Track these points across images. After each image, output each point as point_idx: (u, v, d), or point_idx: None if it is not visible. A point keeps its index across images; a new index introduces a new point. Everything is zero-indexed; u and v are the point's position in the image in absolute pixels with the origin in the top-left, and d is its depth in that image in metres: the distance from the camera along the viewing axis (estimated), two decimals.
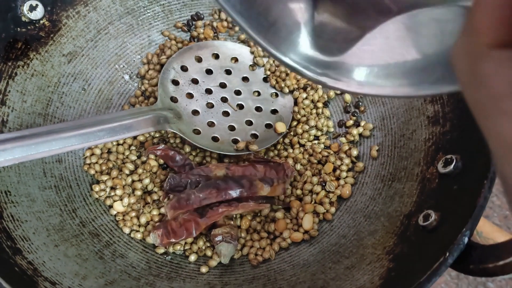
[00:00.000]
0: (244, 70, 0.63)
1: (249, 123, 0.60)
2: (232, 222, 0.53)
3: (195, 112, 0.59)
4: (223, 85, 0.61)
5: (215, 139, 0.57)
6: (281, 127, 0.59)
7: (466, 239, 0.40)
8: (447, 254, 0.40)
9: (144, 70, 0.63)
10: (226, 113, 0.60)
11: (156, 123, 0.53)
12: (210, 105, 0.60)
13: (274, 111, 0.61)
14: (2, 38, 0.53)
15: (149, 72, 0.63)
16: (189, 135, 0.56)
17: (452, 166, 0.46)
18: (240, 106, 0.61)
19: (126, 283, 0.48)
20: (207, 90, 0.61)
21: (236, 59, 0.64)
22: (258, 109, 0.61)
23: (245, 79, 0.63)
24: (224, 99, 0.61)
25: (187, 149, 0.59)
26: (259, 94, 0.62)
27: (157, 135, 0.60)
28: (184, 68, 0.62)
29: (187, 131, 0.56)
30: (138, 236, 0.54)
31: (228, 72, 0.63)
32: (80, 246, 0.50)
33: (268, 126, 0.60)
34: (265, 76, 0.63)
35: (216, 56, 0.63)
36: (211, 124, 0.58)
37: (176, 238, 0.51)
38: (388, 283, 0.43)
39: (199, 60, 0.63)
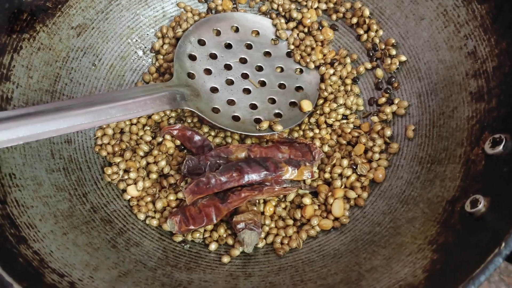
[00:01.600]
0: (266, 44, 0.59)
1: (272, 101, 0.55)
2: (255, 208, 0.49)
3: (214, 90, 0.54)
4: (243, 61, 0.57)
5: (235, 118, 0.53)
6: (307, 106, 0.54)
7: None
8: (503, 245, 0.35)
9: (158, 45, 0.59)
10: (247, 91, 0.55)
11: (172, 101, 0.49)
12: (229, 82, 0.55)
13: (298, 88, 0.57)
14: (6, 8, 0.49)
15: (164, 47, 0.59)
16: (208, 113, 0.52)
17: (501, 146, 0.42)
18: (262, 83, 0.56)
19: (141, 274, 0.44)
20: (227, 65, 0.56)
21: (257, 33, 0.59)
22: (281, 86, 0.56)
23: (267, 54, 0.58)
24: (244, 76, 0.56)
25: (206, 129, 0.55)
26: (282, 70, 0.57)
27: (173, 114, 0.56)
28: (201, 42, 0.57)
29: (205, 110, 0.52)
30: (154, 222, 0.50)
31: (248, 46, 0.58)
32: (91, 234, 0.46)
33: (293, 104, 0.55)
34: (288, 50, 0.59)
35: (236, 29, 0.59)
36: (231, 102, 0.54)
37: (195, 225, 0.46)
38: (434, 276, 0.39)
39: (217, 33, 0.58)
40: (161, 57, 0.58)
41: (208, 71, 0.55)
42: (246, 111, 0.54)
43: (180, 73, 0.54)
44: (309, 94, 0.56)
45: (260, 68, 0.57)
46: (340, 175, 0.51)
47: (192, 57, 0.56)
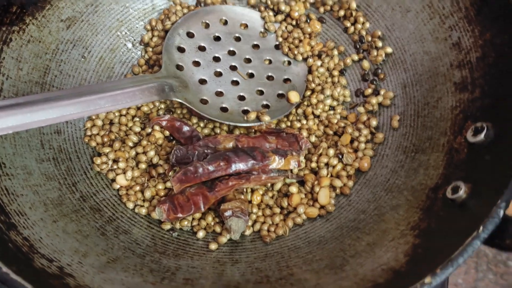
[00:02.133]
0: (254, 37, 0.59)
1: (260, 92, 0.56)
2: (242, 197, 0.50)
3: (203, 81, 0.55)
4: (232, 53, 0.57)
5: (224, 109, 0.54)
6: (294, 97, 0.55)
7: (501, 212, 0.37)
8: (481, 228, 0.36)
9: (147, 37, 0.59)
10: (235, 82, 0.56)
11: (160, 92, 0.50)
12: (218, 74, 0.56)
13: (286, 80, 0.57)
14: None
15: (153, 39, 0.59)
16: (196, 105, 0.52)
17: (482, 134, 0.43)
18: (250, 75, 0.57)
19: (130, 261, 0.45)
20: (215, 58, 0.57)
21: (245, 25, 0.60)
22: (269, 78, 0.57)
23: (255, 46, 0.59)
24: (233, 68, 0.57)
25: (194, 120, 0.55)
26: (270, 62, 0.58)
27: (163, 106, 0.56)
28: (190, 35, 0.58)
29: (194, 101, 0.53)
30: (143, 211, 0.50)
31: (237, 39, 0.59)
32: (80, 222, 0.46)
33: (281, 96, 0.56)
34: (277, 43, 0.59)
35: (225, 22, 0.59)
36: (219, 94, 0.55)
37: (184, 213, 0.47)
38: (415, 260, 0.40)
39: (206, 26, 0.59)
40: (150, 49, 0.59)
41: (196, 63, 0.56)
42: (234, 102, 0.54)
43: (169, 65, 0.54)
44: (297, 85, 0.57)
45: (248, 60, 0.57)
46: (327, 164, 0.52)
47: (181, 49, 0.56)
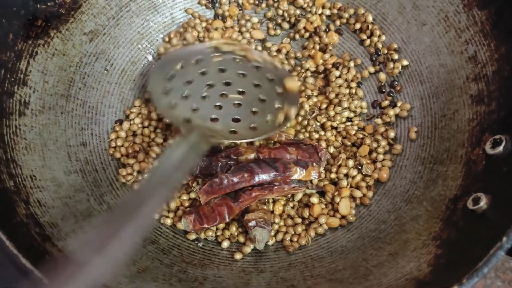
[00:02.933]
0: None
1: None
2: (265, 207, 0.51)
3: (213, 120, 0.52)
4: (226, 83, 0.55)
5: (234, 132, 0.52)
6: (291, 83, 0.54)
7: None
8: (504, 239, 0.37)
9: (163, 49, 0.60)
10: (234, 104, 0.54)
11: (198, 152, 0.46)
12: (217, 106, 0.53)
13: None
14: (22, 15, 0.51)
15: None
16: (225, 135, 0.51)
17: (501, 147, 0.44)
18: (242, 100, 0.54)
19: (158, 271, 0.46)
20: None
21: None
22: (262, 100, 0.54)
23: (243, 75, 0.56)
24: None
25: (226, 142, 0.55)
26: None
27: None
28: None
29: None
30: (168, 221, 0.51)
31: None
32: None
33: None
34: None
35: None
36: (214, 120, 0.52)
37: (209, 223, 0.48)
38: (439, 270, 0.41)
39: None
40: None
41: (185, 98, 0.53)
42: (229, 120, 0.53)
43: (182, 123, 0.50)
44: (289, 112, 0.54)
45: (229, 83, 0.55)
46: (346, 175, 0.53)
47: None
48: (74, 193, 0.49)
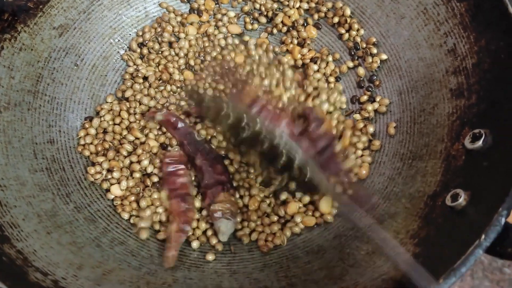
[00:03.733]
0: None
1: None
2: (232, 199, 0.49)
3: None
4: None
5: None
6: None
7: (503, 220, 0.36)
8: (483, 237, 0.36)
9: (135, 44, 0.58)
10: None
11: None
12: None
13: None
14: None
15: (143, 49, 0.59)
16: None
17: (481, 141, 0.42)
18: None
19: (125, 273, 0.44)
20: None
21: None
22: None
23: None
24: None
25: (203, 132, 0.54)
26: None
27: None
28: None
29: None
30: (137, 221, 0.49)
31: None
32: (75, 233, 0.46)
33: None
34: None
35: None
36: None
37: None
38: None
39: None
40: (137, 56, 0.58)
41: None
42: None
43: None
44: None
45: None
46: None
47: None
48: (39, 192, 0.47)
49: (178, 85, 0.56)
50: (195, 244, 0.48)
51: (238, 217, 0.49)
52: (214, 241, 0.49)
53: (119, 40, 0.58)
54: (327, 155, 0.49)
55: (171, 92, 0.56)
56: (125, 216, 0.50)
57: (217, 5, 0.61)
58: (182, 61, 0.58)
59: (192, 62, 0.58)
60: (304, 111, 0.51)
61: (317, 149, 0.49)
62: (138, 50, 0.58)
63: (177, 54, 0.58)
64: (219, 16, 0.61)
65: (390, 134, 0.52)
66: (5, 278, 0.35)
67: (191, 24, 0.60)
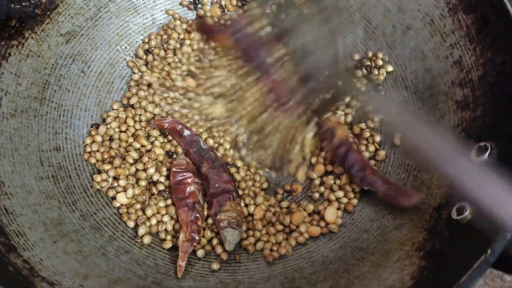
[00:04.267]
0: None
1: None
2: (239, 208, 0.49)
3: None
4: None
5: None
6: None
7: (509, 234, 0.36)
8: (489, 252, 0.36)
9: (141, 52, 0.58)
10: None
11: None
12: None
13: None
14: None
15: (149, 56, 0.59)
16: None
17: (486, 154, 0.42)
18: None
19: (131, 282, 0.44)
20: None
21: None
22: None
23: None
24: None
25: (210, 141, 0.55)
26: None
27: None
28: None
29: None
30: (143, 230, 0.49)
31: None
32: (81, 242, 0.46)
33: None
34: None
35: None
36: None
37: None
38: (421, 283, 0.39)
39: None
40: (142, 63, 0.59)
41: None
42: None
43: None
44: None
45: None
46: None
47: None
48: (45, 200, 0.47)
49: (182, 92, 0.56)
50: (200, 253, 0.48)
51: (244, 226, 0.49)
52: (219, 250, 0.49)
53: (126, 47, 0.58)
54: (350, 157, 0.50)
55: (175, 99, 0.56)
56: (131, 224, 0.50)
57: (223, 13, 0.61)
58: (185, 67, 0.58)
59: (193, 68, 0.58)
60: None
61: (340, 156, 0.50)
62: (144, 57, 0.58)
63: (180, 61, 0.58)
64: (222, 21, 0.61)
65: (395, 144, 0.52)
66: None
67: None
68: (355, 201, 0.50)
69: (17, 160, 0.47)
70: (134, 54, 0.59)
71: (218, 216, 0.48)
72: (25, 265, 0.40)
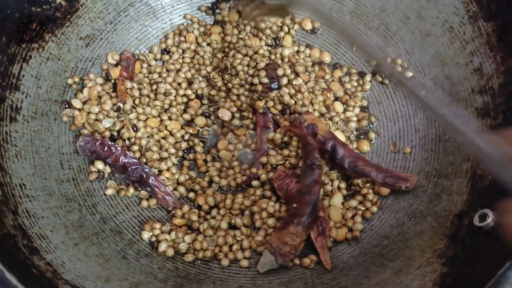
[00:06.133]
0: None
1: None
2: (295, 242, 0.45)
3: None
4: None
5: None
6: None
7: None
8: None
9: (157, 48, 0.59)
10: None
11: None
12: None
13: None
14: (16, 18, 0.49)
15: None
16: None
17: None
18: None
19: (152, 286, 0.44)
20: None
21: None
22: None
23: None
24: None
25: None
26: None
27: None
28: None
29: None
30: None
31: None
32: (101, 245, 0.46)
33: None
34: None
35: None
36: None
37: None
38: None
39: None
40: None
41: None
42: None
43: None
44: None
45: None
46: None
47: None
48: (66, 202, 0.47)
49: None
50: (225, 263, 0.48)
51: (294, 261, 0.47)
52: (239, 256, 0.48)
53: (144, 52, 0.59)
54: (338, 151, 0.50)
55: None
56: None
57: (241, 17, 0.61)
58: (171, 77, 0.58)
59: (189, 74, 0.58)
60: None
61: (328, 151, 0.50)
62: (159, 55, 0.59)
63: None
64: (242, 27, 0.61)
65: (404, 152, 0.52)
66: None
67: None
68: (374, 209, 0.50)
69: (38, 162, 0.47)
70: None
71: (273, 236, 0.46)
72: (48, 268, 0.40)
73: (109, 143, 0.50)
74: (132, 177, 0.50)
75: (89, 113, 0.52)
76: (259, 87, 0.55)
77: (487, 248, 0.40)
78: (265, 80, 0.55)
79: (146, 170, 0.50)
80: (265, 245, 0.46)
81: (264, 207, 0.49)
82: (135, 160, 0.50)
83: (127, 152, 0.50)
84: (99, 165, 0.50)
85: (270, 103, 0.54)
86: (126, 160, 0.50)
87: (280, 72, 0.56)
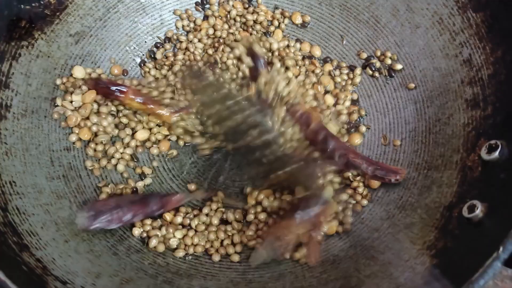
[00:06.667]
0: None
1: None
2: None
3: None
4: None
5: None
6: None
7: None
8: (501, 249, 0.36)
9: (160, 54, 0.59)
10: None
11: None
12: None
13: None
14: (5, 15, 0.49)
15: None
16: None
17: (497, 152, 0.42)
18: None
19: (143, 281, 0.44)
20: None
21: None
22: None
23: None
24: None
25: None
26: None
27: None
28: None
29: None
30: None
31: None
32: (92, 241, 0.46)
33: None
34: None
35: None
36: None
37: None
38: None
39: None
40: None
41: None
42: None
43: None
44: None
45: None
46: None
47: None
48: (56, 199, 0.47)
49: None
50: (216, 258, 0.48)
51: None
52: (231, 251, 0.48)
53: (134, 48, 0.59)
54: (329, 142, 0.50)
55: None
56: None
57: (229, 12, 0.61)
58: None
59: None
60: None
61: (319, 142, 0.50)
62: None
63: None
64: (232, 22, 0.61)
65: (394, 145, 0.53)
66: (25, 287, 0.36)
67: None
68: (364, 202, 0.50)
69: (28, 160, 0.48)
70: (143, 54, 0.59)
71: (270, 233, 0.46)
72: (38, 264, 0.40)
73: None
74: None
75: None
76: (247, 71, 0.55)
77: (476, 240, 0.40)
78: (250, 63, 0.55)
79: None
80: (265, 239, 0.47)
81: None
82: None
83: None
84: None
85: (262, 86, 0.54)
86: None
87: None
